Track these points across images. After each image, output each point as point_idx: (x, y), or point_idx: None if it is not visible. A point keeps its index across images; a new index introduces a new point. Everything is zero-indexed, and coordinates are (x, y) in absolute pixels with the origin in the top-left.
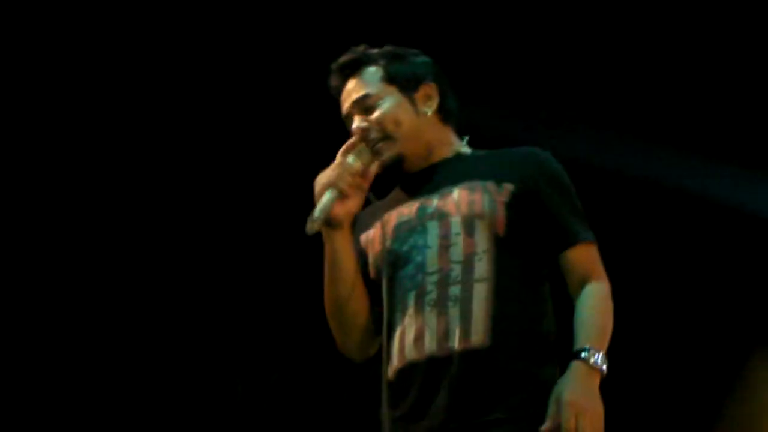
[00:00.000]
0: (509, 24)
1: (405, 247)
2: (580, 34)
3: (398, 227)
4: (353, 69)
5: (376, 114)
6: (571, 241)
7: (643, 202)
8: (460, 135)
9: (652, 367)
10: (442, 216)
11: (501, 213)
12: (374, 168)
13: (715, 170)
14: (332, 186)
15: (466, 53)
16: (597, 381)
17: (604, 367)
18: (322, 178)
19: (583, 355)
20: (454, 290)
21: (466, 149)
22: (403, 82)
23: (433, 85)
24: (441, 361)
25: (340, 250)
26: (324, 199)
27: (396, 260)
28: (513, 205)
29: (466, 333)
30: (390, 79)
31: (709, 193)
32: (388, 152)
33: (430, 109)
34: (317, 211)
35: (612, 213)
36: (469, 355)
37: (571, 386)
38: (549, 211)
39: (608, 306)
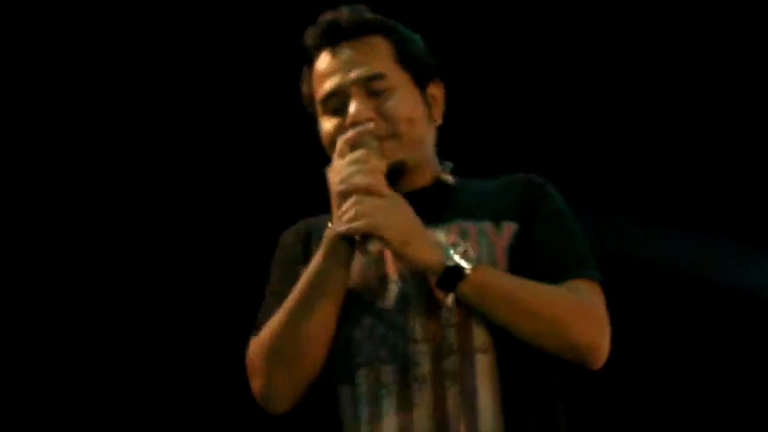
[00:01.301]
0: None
1: (378, 302)
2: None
3: (365, 271)
4: (355, 32)
5: (388, 104)
6: (567, 275)
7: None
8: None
9: None
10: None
11: (502, 262)
12: None
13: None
14: (367, 191)
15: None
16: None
17: (450, 262)
18: (352, 178)
19: (456, 249)
20: (451, 363)
21: (448, 177)
22: (418, 73)
23: (441, 84)
24: None
25: (345, 269)
26: (362, 209)
27: (364, 315)
28: (516, 250)
29: (472, 423)
30: (404, 62)
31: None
32: (393, 155)
33: (439, 116)
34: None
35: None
36: None
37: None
38: (544, 248)
39: (559, 300)
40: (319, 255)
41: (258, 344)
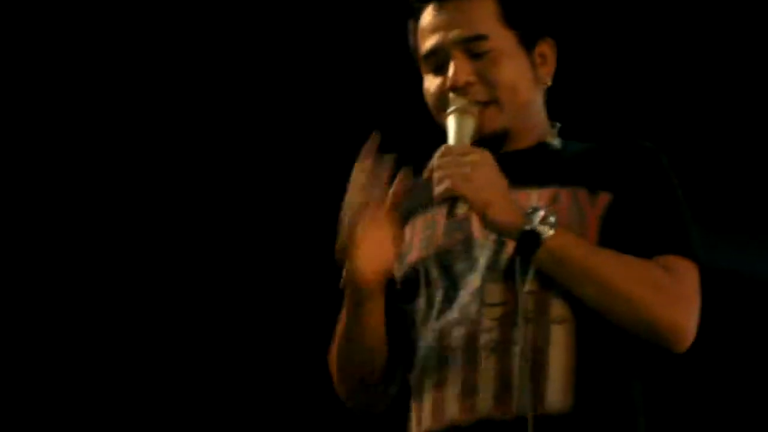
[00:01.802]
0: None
1: (458, 264)
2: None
3: (450, 233)
4: None
5: (490, 69)
6: (660, 250)
7: None
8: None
9: None
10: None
11: (592, 231)
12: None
13: None
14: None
15: None
16: (514, 219)
17: (538, 227)
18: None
19: (546, 209)
20: (522, 331)
21: (556, 140)
22: (526, 32)
23: (552, 42)
24: (499, 427)
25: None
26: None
27: (441, 278)
28: (609, 222)
29: (540, 392)
30: (510, 21)
31: None
32: (493, 124)
33: (549, 77)
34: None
35: None
36: (543, 423)
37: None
38: (639, 219)
39: (642, 275)
40: (346, 299)
41: (329, 351)
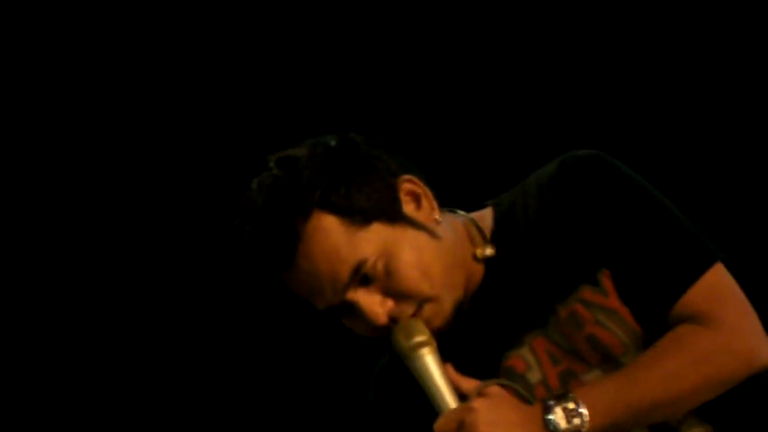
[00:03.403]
0: None
1: None
2: None
3: None
4: (292, 244)
5: (390, 281)
6: (667, 304)
7: None
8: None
9: None
10: (568, 378)
11: (630, 320)
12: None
13: None
14: None
15: None
16: None
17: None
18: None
19: (560, 403)
20: None
21: (488, 249)
22: (380, 205)
23: (406, 176)
24: None
25: None
26: None
27: None
28: (626, 296)
29: None
30: (363, 218)
31: None
32: (441, 318)
33: (434, 212)
34: None
35: None
36: None
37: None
38: (633, 283)
39: (687, 362)
40: None
41: None
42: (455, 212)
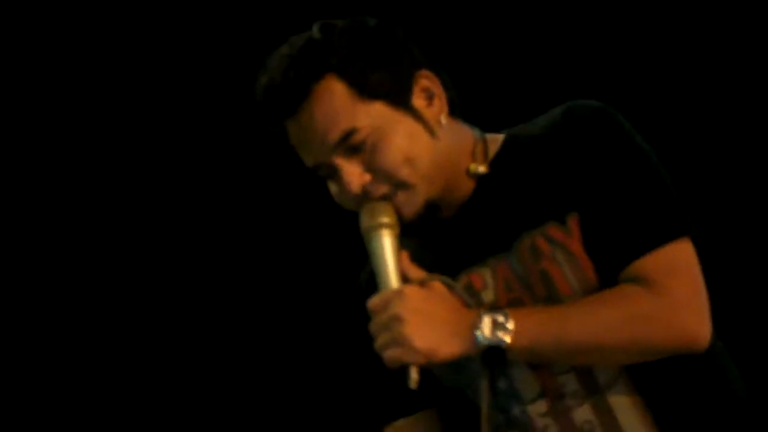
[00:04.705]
0: None
1: (472, 368)
2: None
3: None
4: (301, 91)
5: (375, 158)
6: (627, 260)
7: None
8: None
9: None
10: (515, 306)
11: (588, 268)
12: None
13: None
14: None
15: None
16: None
17: (481, 338)
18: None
19: (491, 314)
20: (583, 414)
21: (481, 166)
22: (390, 88)
23: (426, 72)
24: None
25: None
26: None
27: (480, 384)
28: (591, 245)
29: None
30: (369, 93)
31: None
32: (410, 208)
33: (441, 113)
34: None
35: None
36: None
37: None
38: (603, 234)
39: (621, 317)
40: None
41: None
42: (473, 128)
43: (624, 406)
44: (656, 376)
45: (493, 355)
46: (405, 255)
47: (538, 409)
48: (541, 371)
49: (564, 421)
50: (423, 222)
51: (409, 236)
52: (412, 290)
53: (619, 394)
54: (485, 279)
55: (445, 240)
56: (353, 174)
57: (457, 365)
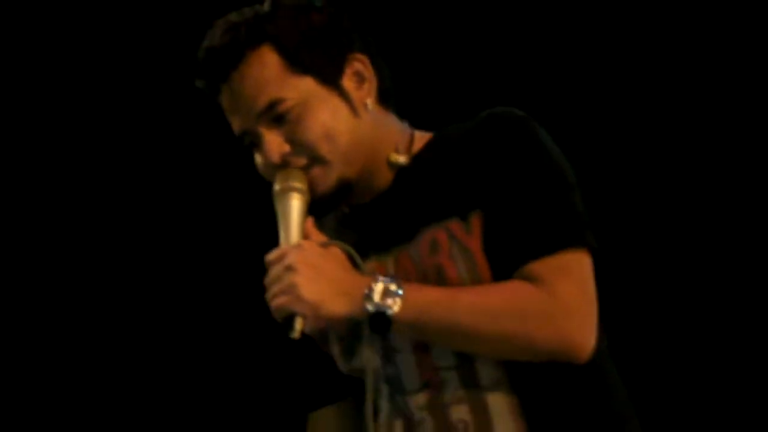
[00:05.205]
0: None
1: (364, 354)
2: None
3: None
4: (236, 56)
5: (297, 129)
6: (523, 261)
7: None
8: (400, 114)
9: None
10: None
11: (484, 270)
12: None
13: None
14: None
15: None
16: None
17: (371, 307)
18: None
19: (384, 281)
20: (459, 413)
21: (402, 157)
22: (321, 65)
23: (361, 56)
24: None
25: None
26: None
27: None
28: (490, 245)
29: None
30: (299, 64)
31: None
32: (324, 183)
33: (369, 97)
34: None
35: None
36: None
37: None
38: (504, 233)
39: (506, 309)
40: None
41: None
42: (402, 121)
43: (501, 409)
44: (537, 383)
45: (380, 325)
46: (311, 221)
47: (418, 401)
48: (426, 364)
49: (440, 416)
50: (336, 204)
51: (323, 217)
52: (310, 245)
53: (498, 397)
54: (387, 267)
55: (356, 225)
56: (273, 142)
57: (350, 347)
